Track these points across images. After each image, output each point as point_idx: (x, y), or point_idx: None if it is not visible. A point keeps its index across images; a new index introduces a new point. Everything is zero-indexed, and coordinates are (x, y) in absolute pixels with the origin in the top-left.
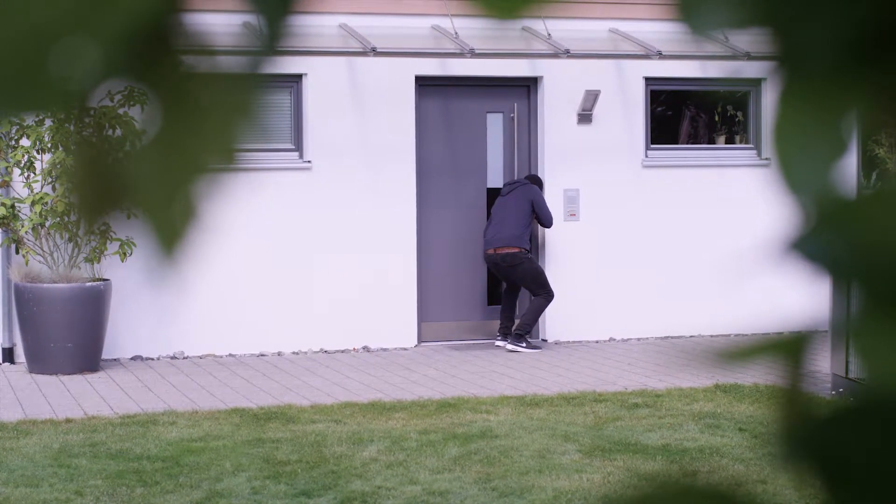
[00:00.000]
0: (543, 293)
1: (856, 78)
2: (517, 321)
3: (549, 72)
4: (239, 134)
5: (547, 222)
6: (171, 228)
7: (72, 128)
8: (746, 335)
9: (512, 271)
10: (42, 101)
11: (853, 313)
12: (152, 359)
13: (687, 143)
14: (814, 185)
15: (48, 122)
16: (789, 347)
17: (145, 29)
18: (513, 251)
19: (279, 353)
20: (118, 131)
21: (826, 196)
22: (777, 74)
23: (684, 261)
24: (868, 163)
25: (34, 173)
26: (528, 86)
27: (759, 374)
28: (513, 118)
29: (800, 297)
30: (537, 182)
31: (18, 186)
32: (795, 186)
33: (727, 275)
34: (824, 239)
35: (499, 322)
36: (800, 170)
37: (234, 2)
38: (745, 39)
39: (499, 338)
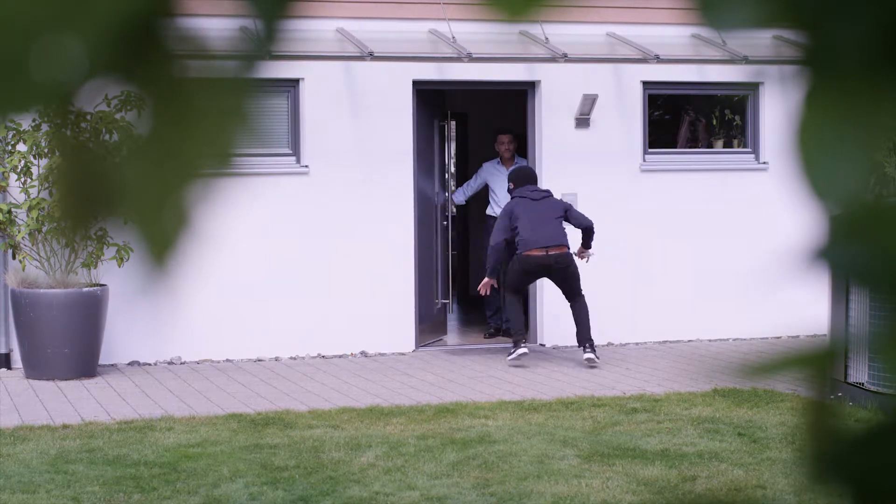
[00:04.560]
0: (581, 294)
1: (885, 78)
2: (581, 332)
3: (547, 76)
4: (232, 138)
5: (588, 223)
6: (162, 235)
7: (68, 132)
8: (745, 340)
9: (565, 271)
10: (23, 99)
11: (882, 325)
12: (149, 364)
13: (685, 147)
14: (842, 190)
15: (45, 127)
16: (816, 361)
17: (133, 28)
18: (565, 251)
19: (277, 359)
20: (115, 136)
21: (855, 202)
22: (802, 75)
23: (682, 265)
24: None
25: (31, 178)
26: (526, 90)
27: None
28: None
29: (799, 302)
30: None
31: (15, 192)
32: (822, 192)
33: (736, 281)
34: (853, 247)
35: (491, 322)
36: (827, 175)
37: (228, 5)
38: (741, 43)
39: (491, 330)
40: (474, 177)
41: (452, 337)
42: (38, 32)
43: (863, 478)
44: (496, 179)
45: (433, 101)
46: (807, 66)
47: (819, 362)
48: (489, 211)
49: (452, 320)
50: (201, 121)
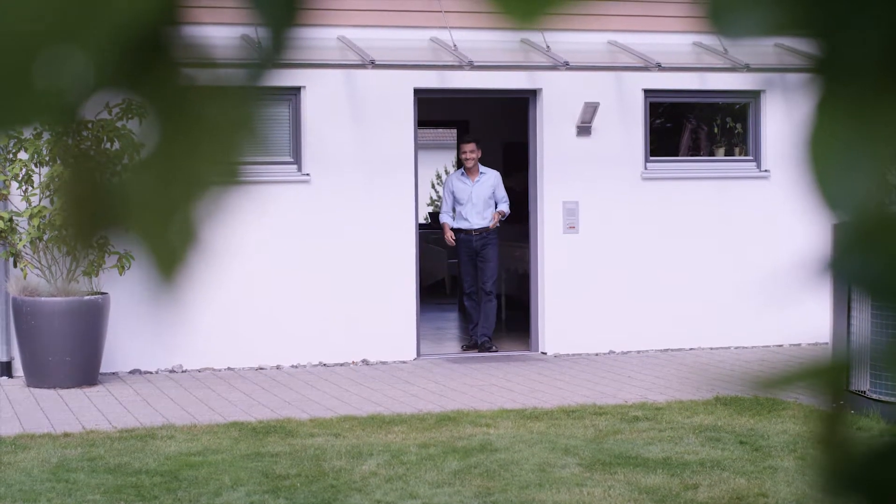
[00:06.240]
0: None
1: None
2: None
3: (549, 84)
4: (240, 149)
5: None
6: (170, 251)
7: (70, 142)
8: (747, 348)
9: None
10: (27, 113)
11: (890, 336)
12: (151, 372)
13: (686, 156)
14: (853, 200)
15: (46, 136)
16: (827, 374)
17: (139, 39)
18: None
19: (278, 367)
20: (116, 145)
21: (866, 212)
22: (814, 83)
23: (684, 273)
24: None
25: (32, 186)
26: (528, 98)
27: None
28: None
29: (800, 311)
30: None
31: (16, 200)
32: (833, 202)
33: (738, 289)
34: (863, 257)
35: (472, 335)
36: (838, 184)
37: (234, 15)
38: (743, 51)
39: (469, 343)
40: (443, 194)
41: (428, 346)
42: (42, 44)
43: (876, 492)
44: (460, 192)
45: None
46: (818, 74)
47: (830, 375)
48: (455, 224)
49: (453, 328)
50: (208, 131)
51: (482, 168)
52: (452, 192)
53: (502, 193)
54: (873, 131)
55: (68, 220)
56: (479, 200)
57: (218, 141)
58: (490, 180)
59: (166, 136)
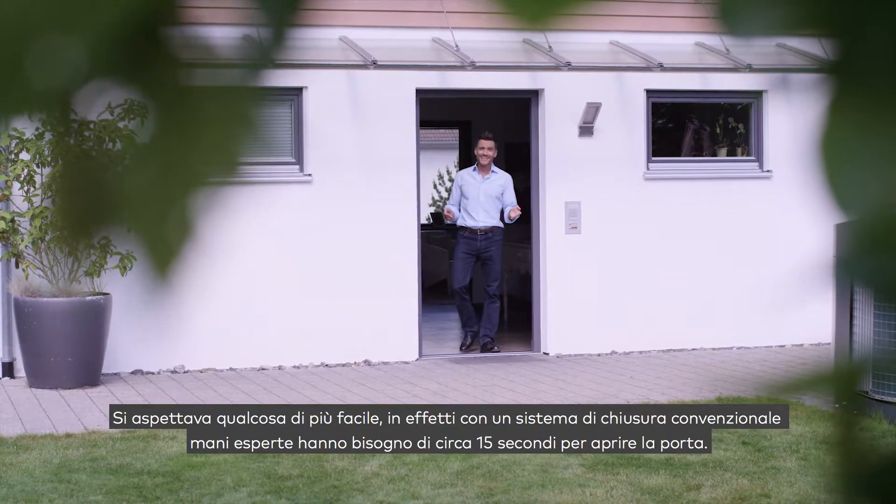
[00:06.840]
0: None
1: None
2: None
3: (551, 84)
4: (239, 146)
5: None
6: (167, 246)
7: (71, 141)
8: (749, 349)
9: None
10: (21, 102)
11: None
12: (153, 373)
13: (688, 156)
14: (866, 200)
15: (48, 136)
16: (840, 380)
17: (137, 30)
18: None
19: (280, 368)
20: (118, 145)
21: (880, 213)
22: (826, 83)
23: (686, 273)
24: None
25: (34, 187)
26: (530, 98)
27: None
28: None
29: (802, 311)
30: None
31: (18, 200)
32: (845, 202)
33: (739, 289)
34: (878, 259)
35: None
36: (850, 184)
37: (234, 13)
38: (745, 51)
39: (468, 342)
40: (452, 189)
41: (430, 347)
42: (36, 33)
43: (888, 495)
44: (469, 187)
45: None
46: (832, 74)
47: (843, 381)
48: (460, 222)
49: (455, 329)
50: (207, 129)
51: (494, 168)
52: (461, 187)
53: (511, 197)
54: (887, 132)
55: (66, 216)
56: (486, 198)
57: (215, 137)
58: (499, 180)
59: (163, 131)
